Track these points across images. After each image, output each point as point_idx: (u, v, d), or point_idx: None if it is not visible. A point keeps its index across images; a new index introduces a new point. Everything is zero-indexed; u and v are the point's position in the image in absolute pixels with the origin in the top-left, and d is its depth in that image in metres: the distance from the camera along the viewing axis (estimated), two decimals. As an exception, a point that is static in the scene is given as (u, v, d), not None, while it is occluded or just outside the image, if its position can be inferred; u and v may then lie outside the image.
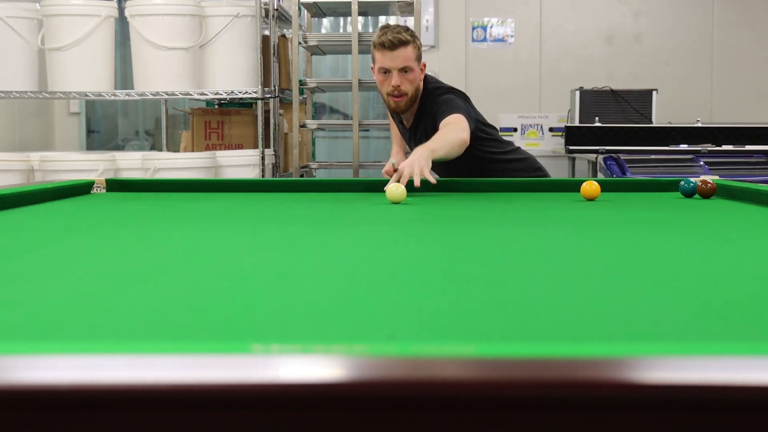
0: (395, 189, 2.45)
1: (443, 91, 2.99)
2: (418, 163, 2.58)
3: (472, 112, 2.97)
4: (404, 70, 2.94)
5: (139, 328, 0.94)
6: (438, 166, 2.90)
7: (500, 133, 3.40)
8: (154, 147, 6.90)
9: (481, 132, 3.05)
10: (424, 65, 3.04)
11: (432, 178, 2.60)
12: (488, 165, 3.09)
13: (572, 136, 5.70)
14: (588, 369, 0.63)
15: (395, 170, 2.67)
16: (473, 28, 6.89)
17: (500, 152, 3.16)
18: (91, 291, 1.18)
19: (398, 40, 2.90)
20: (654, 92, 6.00)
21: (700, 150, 5.50)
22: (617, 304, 1.07)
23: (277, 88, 4.61)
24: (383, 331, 0.92)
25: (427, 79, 3.06)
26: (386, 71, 2.96)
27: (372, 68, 3.04)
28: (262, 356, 0.70)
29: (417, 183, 2.53)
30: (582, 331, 0.92)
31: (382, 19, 7.04)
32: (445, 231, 1.92)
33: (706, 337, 0.89)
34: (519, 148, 3.28)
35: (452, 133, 2.75)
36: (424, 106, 3.00)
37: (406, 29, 2.95)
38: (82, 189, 2.86)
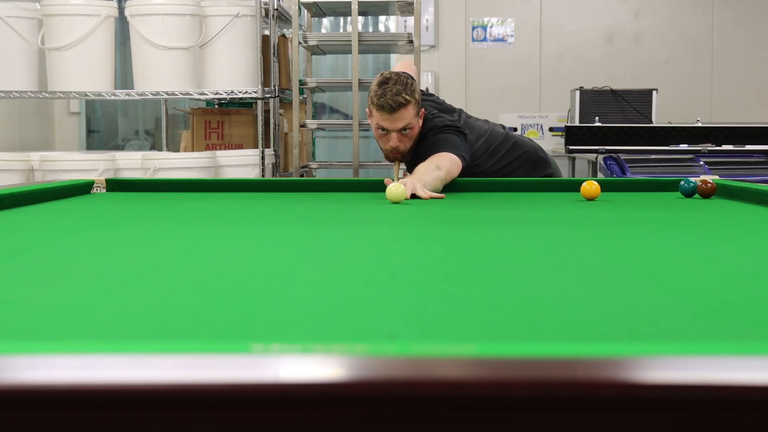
0: (395, 189, 2.46)
1: (437, 131, 2.96)
2: (420, 182, 2.61)
3: (462, 145, 2.95)
4: (404, 129, 2.90)
5: (139, 328, 0.94)
6: None
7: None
8: (154, 147, 6.90)
9: (478, 157, 3.04)
10: (423, 112, 2.97)
11: (436, 195, 2.61)
12: (492, 177, 3.07)
13: (572, 136, 5.70)
14: (588, 369, 0.63)
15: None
16: (473, 28, 6.89)
17: (502, 165, 3.13)
18: (91, 291, 1.18)
19: (398, 103, 2.82)
20: (654, 92, 6.00)
21: (700, 150, 5.50)
22: (617, 304, 1.07)
23: (277, 87, 4.61)
24: (383, 331, 0.92)
25: (424, 118, 2.99)
26: (385, 129, 2.92)
27: (369, 117, 2.98)
28: (262, 356, 0.70)
29: (422, 193, 2.55)
30: (582, 331, 0.92)
31: (382, 19, 7.05)
32: (445, 231, 1.92)
33: (706, 337, 0.89)
34: (516, 142, 3.22)
35: (440, 171, 2.76)
36: (420, 148, 2.97)
37: (405, 85, 2.85)
38: (82, 189, 2.86)
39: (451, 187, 2.85)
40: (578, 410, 0.60)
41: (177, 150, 5.29)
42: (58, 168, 4.11)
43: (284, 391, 0.60)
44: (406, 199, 2.47)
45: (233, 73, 4.59)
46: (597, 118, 5.81)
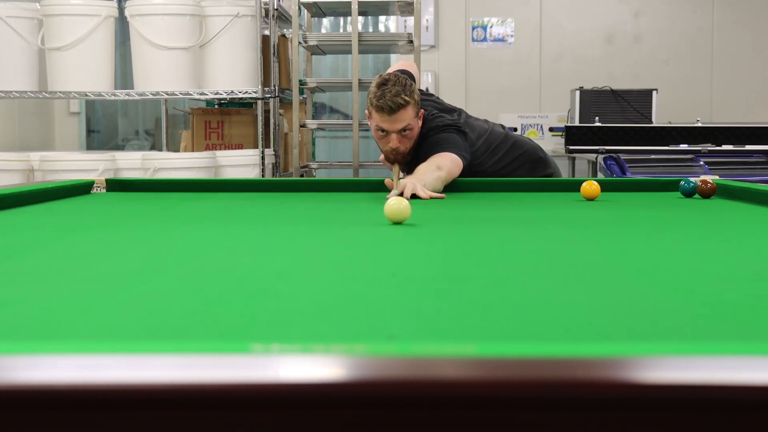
0: (396, 205, 1.93)
1: (438, 131, 2.95)
2: (420, 182, 2.61)
3: (463, 145, 2.95)
4: (403, 129, 2.89)
5: (139, 328, 0.94)
6: None
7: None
8: (154, 147, 6.90)
9: (479, 156, 3.04)
10: (423, 113, 2.96)
11: (436, 195, 2.61)
12: (492, 176, 3.07)
13: (572, 136, 5.70)
14: (588, 369, 0.63)
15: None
16: (473, 28, 6.89)
17: (502, 164, 3.13)
18: (91, 291, 1.18)
19: (397, 104, 2.81)
20: (654, 92, 6.00)
21: (700, 150, 5.50)
22: (617, 304, 1.07)
23: (277, 88, 4.61)
24: (383, 331, 0.92)
25: (424, 118, 2.98)
26: (384, 130, 2.90)
27: (368, 119, 2.98)
28: (262, 356, 0.70)
29: (422, 193, 2.55)
30: (582, 331, 0.92)
31: (382, 19, 7.05)
32: (445, 231, 1.92)
33: (706, 337, 0.89)
34: (516, 141, 3.21)
35: (441, 171, 2.77)
36: (421, 148, 2.96)
37: (404, 86, 2.84)
38: (82, 189, 2.86)
39: (451, 187, 2.85)
40: (578, 410, 0.60)
41: (177, 150, 5.29)
42: (58, 168, 4.11)
43: (284, 391, 0.60)
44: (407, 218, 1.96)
45: (233, 73, 4.59)
46: (597, 118, 5.81)
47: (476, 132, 3.10)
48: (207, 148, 4.90)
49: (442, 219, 2.15)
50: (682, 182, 2.71)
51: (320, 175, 5.52)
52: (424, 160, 2.86)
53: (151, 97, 4.54)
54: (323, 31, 7.01)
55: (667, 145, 5.60)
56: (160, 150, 5.61)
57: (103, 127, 7.15)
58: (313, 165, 4.92)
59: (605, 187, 2.77)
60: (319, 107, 7.20)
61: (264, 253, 1.58)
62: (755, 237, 1.86)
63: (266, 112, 4.69)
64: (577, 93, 6.02)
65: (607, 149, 5.55)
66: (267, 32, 4.69)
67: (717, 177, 3.19)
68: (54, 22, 4.42)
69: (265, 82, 4.58)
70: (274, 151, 4.68)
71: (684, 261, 1.47)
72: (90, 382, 0.60)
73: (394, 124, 2.86)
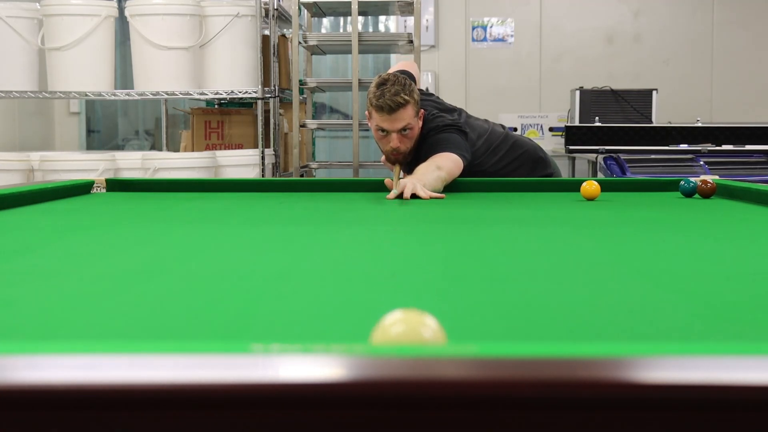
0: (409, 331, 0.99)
1: (438, 131, 2.95)
2: (420, 182, 2.62)
3: (464, 145, 2.95)
4: (403, 129, 2.89)
5: (139, 328, 0.94)
6: None
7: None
8: (154, 147, 6.90)
9: (479, 156, 3.04)
10: (423, 113, 2.96)
11: (436, 195, 2.62)
12: (492, 176, 3.07)
13: (572, 135, 5.70)
14: (588, 369, 0.63)
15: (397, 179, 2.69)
16: (473, 28, 6.89)
17: (503, 164, 3.13)
18: (91, 291, 1.18)
19: (396, 103, 2.81)
20: (654, 92, 6.01)
21: (700, 150, 5.50)
22: (617, 304, 1.07)
23: (277, 87, 4.61)
24: (383, 331, 0.92)
25: (425, 118, 2.98)
26: (384, 130, 2.90)
27: (368, 120, 2.97)
28: (262, 356, 0.70)
29: (422, 193, 2.56)
30: (582, 331, 0.92)
31: (382, 19, 7.05)
32: (445, 231, 1.92)
33: (706, 337, 0.89)
34: (516, 141, 3.21)
35: (441, 171, 2.77)
36: (421, 148, 2.96)
37: (403, 86, 2.84)
38: (82, 189, 2.86)
39: (451, 187, 2.85)
40: (578, 410, 0.60)
41: (177, 150, 5.29)
42: (58, 168, 4.11)
43: (284, 391, 0.60)
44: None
45: (233, 73, 4.59)
46: (597, 118, 5.81)
47: (476, 132, 3.10)
48: (207, 148, 4.90)
49: (442, 219, 2.15)
50: (682, 182, 2.70)
51: (320, 175, 5.52)
52: (424, 160, 2.86)
53: (151, 97, 4.54)
54: (323, 31, 7.01)
55: (667, 145, 5.60)
56: (160, 150, 5.61)
57: (103, 127, 7.15)
58: (313, 165, 4.92)
59: (605, 187, 2.77)
60: (319, 107, 7.20)
61: (264, 253, 1.58)
62: (755, 237, 1.86)
63: (266, 112, 4.69)
64: (577, 93, 6.02)
65: (607, 149, 5.55)
66: (267, 32, 4.69)
67: (717, 177, 3.19)
68: (54, 22, 4.42)
69: (265, 82, 4.58)
70: (274, 151, 4.68)
71: (684, 261, 1.47)
72: (90, 382, 0.60)
73: (394, 123, 2.86)
